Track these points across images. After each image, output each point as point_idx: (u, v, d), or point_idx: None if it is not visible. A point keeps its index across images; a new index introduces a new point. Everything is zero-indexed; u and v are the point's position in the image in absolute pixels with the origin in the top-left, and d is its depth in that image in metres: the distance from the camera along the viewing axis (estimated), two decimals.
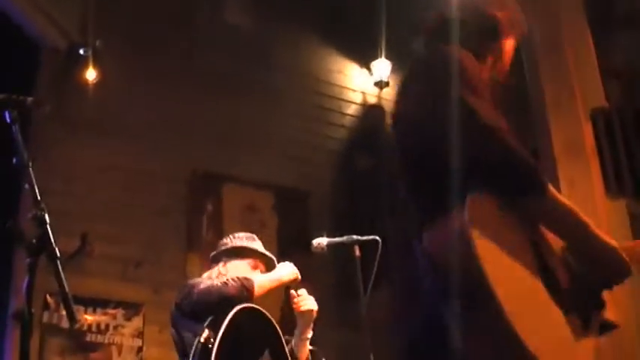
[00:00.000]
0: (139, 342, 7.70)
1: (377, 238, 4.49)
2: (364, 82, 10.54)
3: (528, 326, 2.04)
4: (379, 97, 10.58)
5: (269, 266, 4.66)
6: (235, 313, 3.96)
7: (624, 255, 2.40)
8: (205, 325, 3.94)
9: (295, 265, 4.89)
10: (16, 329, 6.98)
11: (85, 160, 8.23)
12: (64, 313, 6.74)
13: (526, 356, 2.02)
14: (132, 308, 7.78)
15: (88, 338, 7.48)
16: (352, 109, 10.35)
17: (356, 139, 10.08)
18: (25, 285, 2.31)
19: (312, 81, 10.17)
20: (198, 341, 3.90)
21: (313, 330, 4.53)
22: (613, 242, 2.39)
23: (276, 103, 9.60)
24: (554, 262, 2.36)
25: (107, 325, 7.62)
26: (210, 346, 3.81)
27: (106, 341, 7.56)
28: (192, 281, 4.42)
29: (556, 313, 2.24)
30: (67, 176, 7.78)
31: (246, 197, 9.03)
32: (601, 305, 2.45)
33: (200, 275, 4.64)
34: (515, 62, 6.56)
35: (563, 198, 2.32)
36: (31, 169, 2.49)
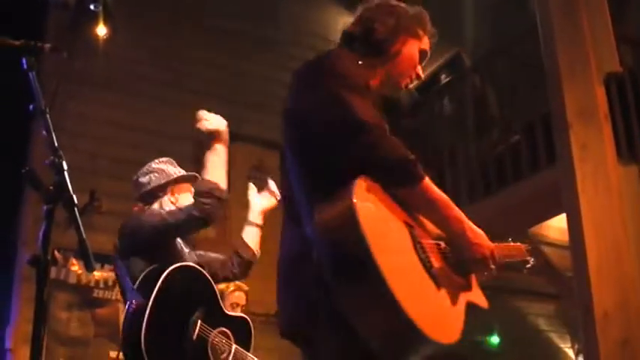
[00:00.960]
0: None
1: None
2: None
3: (407, 294, 2.17)
4: None
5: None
6: (165, 278, 3.91)
7: (489, 254, 2.60)
8: (135, 287, 3.89)
9: None
10: (24, 281, 7.01)
11: (94, 116, 8.22)
12: (72, 268, 6.82)
13: (407, 322, 2.15)
14: None
15: (95, 294, 7.52)
16: None
17: None
18: (42, 231, 2.30)
19: (320, 41, 10.12)
20: (128, 311, 3.88)
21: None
22: (478, 240, 2.57)
23: (284, 63, 9.57)
24: (428, 244, 2.51)
25: (114, 282, 7.63)
26: (141, 316, 3.79)
27: (113, 297, 7.58)
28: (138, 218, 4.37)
29: (430, 285, 2.39)
30: (76, 132, 7.77)
31: (253, 156, 9.01)
32: (469, 288, 2.66)
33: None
34: (530, 29, 6.55)
35: (437, 191, 2.50)
36: (48, 115, 2.46)
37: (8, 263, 7.34)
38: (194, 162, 8.51)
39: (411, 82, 2.97)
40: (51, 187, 2.33)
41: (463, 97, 8.62)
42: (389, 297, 2.12)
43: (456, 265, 2.57)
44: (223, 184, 4.20)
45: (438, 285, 2.43)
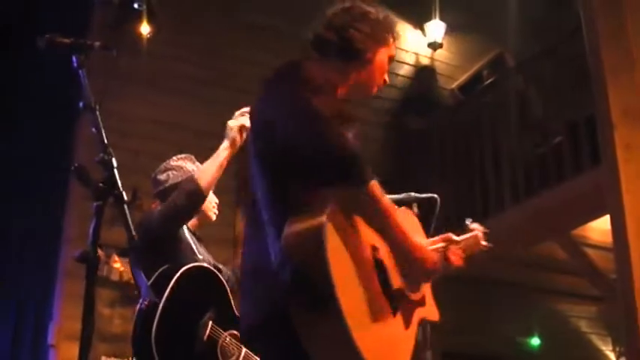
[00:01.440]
0: None
1: (435, 196, 4.44)
2: (417, 43, 10.48)
3: (362, 330, 2.27)
4: (432, 59, 10.53)
5: None
6: (178, 277, 3.94)
7: (428, 255, 2.62)
8: (149, 284, 3.89)
9: None
10: (67, 278, 7.06)
11: (136, 115, 8.26)
12: (114, 265, 6.85)
13: (357, 358, 2.22)
14: None
15: (137, 291, 7.55)
16: (404, 70, 10.30)
17: (408, 100, 10.03)
18: (91, 228, 2.32)
19: None
20: (140, 309, 3.88)
21: None
22: (420, 254, 2.57)
23: None
24: (390, 264, 2.59)
25: None
26: (152, 315, 3.81)
27: None
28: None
29: (387, 314, 2.49)
30: (118, 130, 7.81)
31: None
32: (422, 303, 2.79)
33: None
34: (574, 29, 6.49)
35: (384, 199, 2.48)
36: (98, 112, 2.49)
37: (51, 260, 7.40)
38: (236, 159, 8.57)
39: (379, 89, 3.07)
40: (100, 184, 2.35)
41: (506, 98, 8.58)
42: (345, 333, 2.19)
43: (411, 281, 2.68)
44: (203, 182, 4.24)
45: (395, 309, 2.54)
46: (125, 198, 2.33)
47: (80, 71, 2.55)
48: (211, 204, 4.61)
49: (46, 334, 7.22)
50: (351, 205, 2.44)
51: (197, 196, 4.21)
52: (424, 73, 10.35)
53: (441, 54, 10.55)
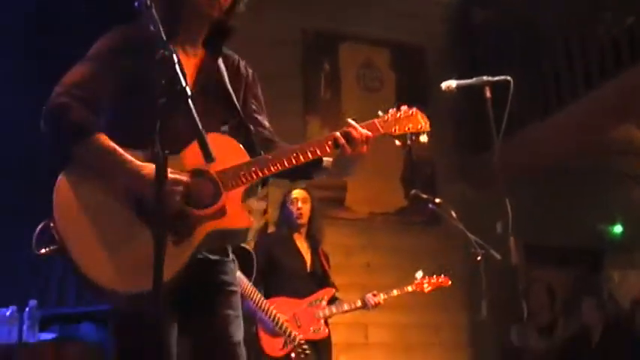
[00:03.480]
0: (263, 205, 7.76)
1: (508, 78, 4.32)
2: None
3: (99, 268, 2.64)
4: None
5: None
6: None
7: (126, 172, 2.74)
8: None
9: None
10: None
11: None
12: None
13: (103, 290, 2.63)
14: None
15: None
16: None
17: None
18: (157, 126, 2.25)
19: None
20: None
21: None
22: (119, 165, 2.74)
23: None
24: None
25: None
26: None
27: None
28: None
29: (141, 239, 2.67)
30: None
31: (362, 55, 8.91)
32: (216, 216, 2.89)
33: None
34: None
35: (107, 142, 2.70)
36: (154, 11, 2.41)
37: None
38: (301, 65, 8.44)
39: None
40: (163, 81, 2.28)
41: None
42: (80, 271, 2.63)
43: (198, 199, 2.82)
44: None
45: (173, 233, 2.75)
46: (189, 92, 2.25)
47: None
48: None
49: None
50: (86, 161, 2.74)
51: None
52: None
53: None
